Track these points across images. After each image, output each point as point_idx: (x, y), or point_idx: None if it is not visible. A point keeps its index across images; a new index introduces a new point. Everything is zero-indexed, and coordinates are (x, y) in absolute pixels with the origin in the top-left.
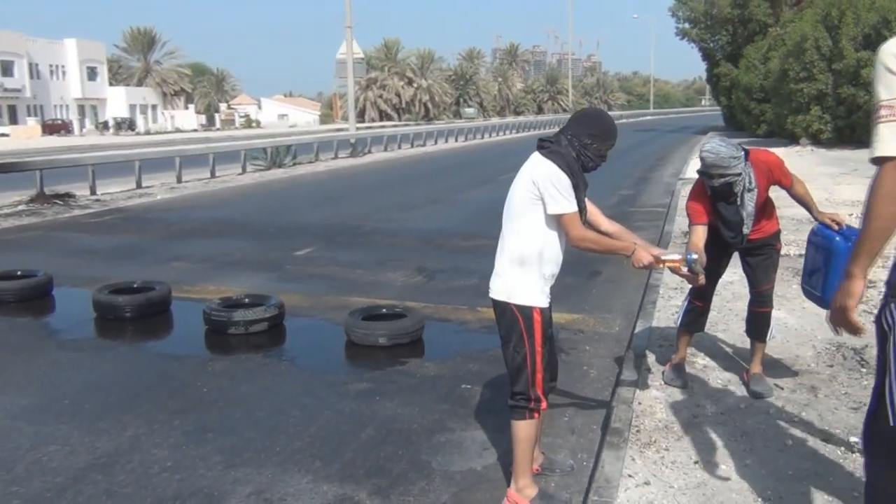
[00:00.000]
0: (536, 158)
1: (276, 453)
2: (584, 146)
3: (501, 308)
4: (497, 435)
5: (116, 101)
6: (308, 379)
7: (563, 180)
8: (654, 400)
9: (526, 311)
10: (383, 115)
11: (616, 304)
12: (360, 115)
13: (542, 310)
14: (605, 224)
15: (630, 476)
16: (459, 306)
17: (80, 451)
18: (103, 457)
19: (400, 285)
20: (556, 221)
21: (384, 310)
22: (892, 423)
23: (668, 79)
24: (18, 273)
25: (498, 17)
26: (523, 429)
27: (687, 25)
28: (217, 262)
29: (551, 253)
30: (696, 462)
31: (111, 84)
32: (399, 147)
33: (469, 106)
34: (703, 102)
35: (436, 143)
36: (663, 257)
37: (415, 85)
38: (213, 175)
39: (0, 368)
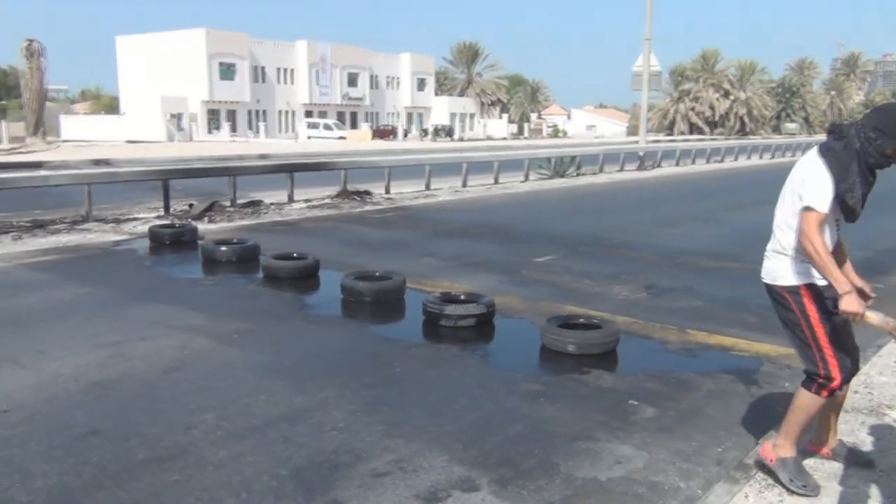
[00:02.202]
0: (813, 154)
1: (428, 432)
2: (868, 139)
3: (769, 290)
4: (638, 452)
5: (440, 110)
6: (488, 374)
7: (827, 181)
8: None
9: (793, 290)
10: (693, 129)
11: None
12: (670, 128)
13: (809, 285)
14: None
15: None
16: (669, 326)
17: (280, 403)
18: (295, 411)
19: (621, 299)
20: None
21: (582, 319)
22: None
23: None
24: (294, 255)
25: (844, 24)
26: (804, 397)
27: None
28: (462, 261)
29: None
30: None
31: (437, 94)
32: (693, 162)
33: (791, 121)
34: None
35: (736, 159)
36: (870, 314)
37: (731, 97)
38: (496, 181)
39: (255, 330)
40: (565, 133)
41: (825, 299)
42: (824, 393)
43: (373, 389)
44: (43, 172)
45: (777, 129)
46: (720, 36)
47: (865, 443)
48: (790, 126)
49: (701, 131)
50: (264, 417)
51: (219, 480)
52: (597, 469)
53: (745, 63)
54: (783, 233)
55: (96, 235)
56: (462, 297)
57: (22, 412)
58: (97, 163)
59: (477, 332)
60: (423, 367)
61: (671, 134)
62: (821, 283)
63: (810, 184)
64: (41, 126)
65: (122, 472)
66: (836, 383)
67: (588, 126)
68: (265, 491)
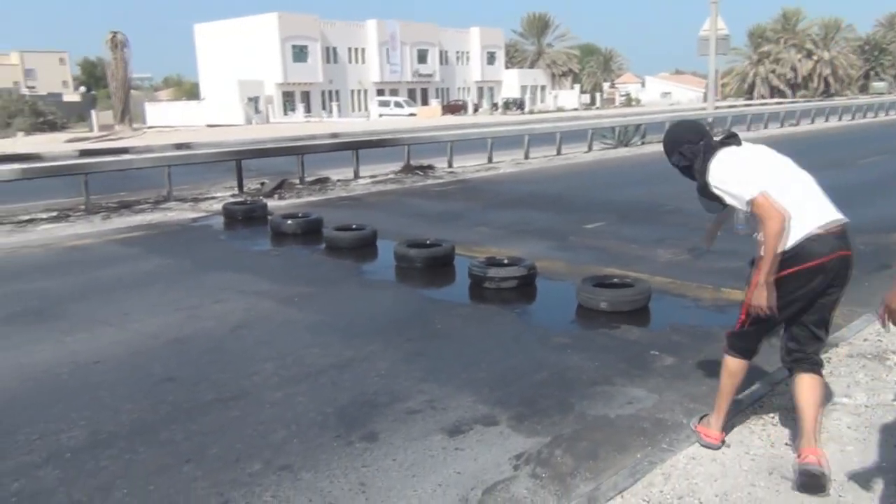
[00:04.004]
0: None
1: (460, 378)
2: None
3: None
4: (650, 394)
5: (510, 83)
6: (523, 328)
7: None
8: None
9: None
10: (774, 92)
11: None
12: (749, 92)
13: None
14: None
15: None
16: (704, 285)
17: (331, 355)
18: (344, 361)
19: (663, 262)
20: None
21: (615, 279)
22: None
23: None
24: (353, 226)
25: None
26: (820, 389)
27: None
28: (513, 229)
29: None
30: (790, 442)
31: (507, 67)
32: (765, 127)
33: (880, 79)
34: None
35: (812, 122)
36: None
37: (814, 58)
38: (558, 153)
39: (314, 294)
40: (639, 101)
41: None
42: None
43: (415, 343)
44: (127, 157)
45: (865, 89)
46: None
47: (860, 382)
48: (878, 85)
49: (783, 94)
50: (316, 366)
51: (274, 416)
52: (609, 408)
53: (829, 21)
54: None
55: (176, 213)
56: (505, 261)
57: (110, 363)
58: (178, 146)
59: (518, 293)
60: (464, 324)
61: (750, 98)
62: None
63: None
64: (128, 114)
65: (193, 410)
66: None
67: (663, 93)
68: (312, 424)
